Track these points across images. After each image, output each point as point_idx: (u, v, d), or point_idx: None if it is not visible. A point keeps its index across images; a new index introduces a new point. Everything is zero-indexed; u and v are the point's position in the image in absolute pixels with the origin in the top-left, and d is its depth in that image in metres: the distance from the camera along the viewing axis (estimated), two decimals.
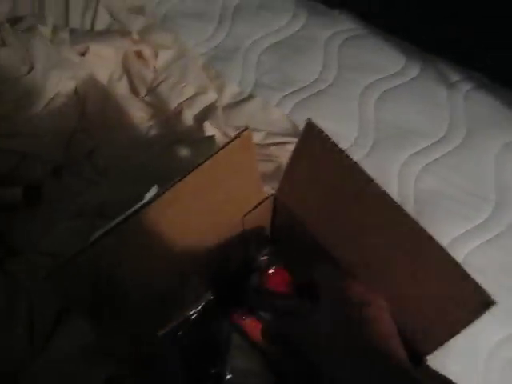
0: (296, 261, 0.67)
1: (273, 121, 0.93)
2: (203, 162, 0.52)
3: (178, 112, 0.94)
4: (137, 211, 0.48)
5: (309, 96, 0.96)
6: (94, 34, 1.07)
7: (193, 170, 0.51)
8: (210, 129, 0.89)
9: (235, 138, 0.52)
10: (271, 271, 0.71)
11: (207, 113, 0.94)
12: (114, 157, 0.92)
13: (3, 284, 0.74)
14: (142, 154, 0.90)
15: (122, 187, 0.88)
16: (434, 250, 0.45)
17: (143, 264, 0.53)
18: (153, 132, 0.94)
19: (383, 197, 0.47)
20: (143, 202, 0.50)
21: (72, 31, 1.07)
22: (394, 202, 0.47)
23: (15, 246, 0.85)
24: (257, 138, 0.90)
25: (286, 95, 0.97)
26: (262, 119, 0.93)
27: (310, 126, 0.53)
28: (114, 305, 0.55)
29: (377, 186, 0.47)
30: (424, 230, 0.45)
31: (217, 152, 0.52)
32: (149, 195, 0.50)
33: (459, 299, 0.44)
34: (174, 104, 0.95)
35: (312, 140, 0.53)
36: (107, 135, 0.94)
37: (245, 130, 0.53)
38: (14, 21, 1.09)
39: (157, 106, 0.96)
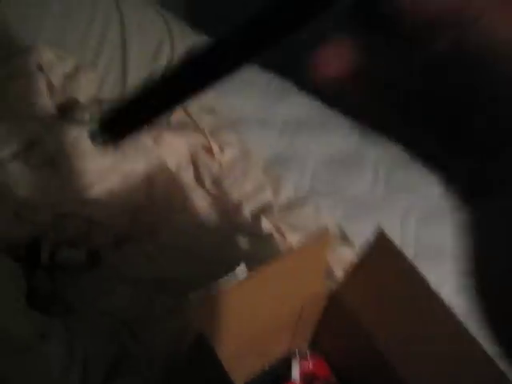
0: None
1: (323, 225, 1.02)
2: (286, 255, 0.60)
3: (238, 205, 1.03)
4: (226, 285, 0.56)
5: (356, 207, 1.06)
6: (169, 125, 1.19)
7: (277, 259, 0.59)
8: (266, 225, 0.98)
9: (316, 237, 0.60)
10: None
11: (264, 210, 1.03)
12: (174, 237, 1.00)
13: (64, 335, 0.81)
14: (201, 238, 0.99)
15: (179, 266, 0.96)
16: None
17: (221, 336, 0.60)
18: (212, 220, 1.03)
19: (445, 310, 0.55)
20: (232, 278, 0.57)
21: None
22: (454, 316, 0.54)
23: (74, 305, 0.91)
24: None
25: (336, 203, 1.06)
26: (313, 223, 1.02)
27: (381, 236, 0.62)
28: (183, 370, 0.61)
29: (442, 302, 0.55)
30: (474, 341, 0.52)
31: (299, 248, 0.60)
32: (238, 272, 0.58)
33: None
34: (234, 197, 1.05)
35: (381, 249, 0.61)
36: (170, 217, 1.03)
37: (325, 231, 0.61)
38: (98, 102, 1.22)
39: (218, 197, 1.06)
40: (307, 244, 0.60)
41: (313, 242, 0.60)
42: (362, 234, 1.03)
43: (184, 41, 1.46)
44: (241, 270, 0.57)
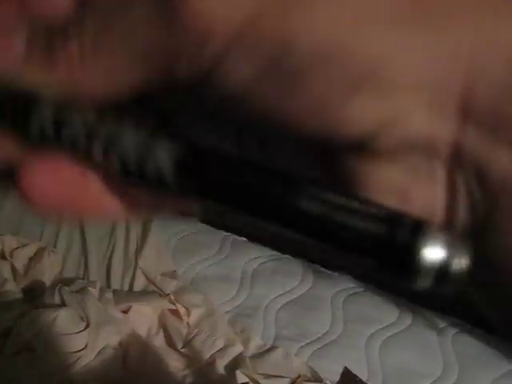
0: None
1: (294, 368, 1.09)
2: None
3: (211, 362, 1.10)
4: None
5: (322, 346, 1.14)
6: (135, 295, 1.27)
7: None
8: (241, 377, 1.05)
9: None
10: None
11: (237, 362, 1.10)
12: None
13: None
14: None
15: None
16: None
17: None
18: (188, 380, 1.08)
19: None
20: None
21: (115, 291, 1.27)
22: None
23: None
24: (283, 383, 1.06)
25: (302, 346, 1.15)
26: (284, 367, 1.09)
27: (347, 373, 0.71)
28: None
29: None
30: None
31: None
32: None
33: None
34: (206, 355, 1.11)
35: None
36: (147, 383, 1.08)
37: None
38: (66, 282, 1.30)
39: (191, 356, 1.12)
40: None
41: None
42: (331, 371, 1.10)
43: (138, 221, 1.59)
44: None
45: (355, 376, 0.68)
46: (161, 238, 1.45)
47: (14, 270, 1.37)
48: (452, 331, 1.21)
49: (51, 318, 1.11)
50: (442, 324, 1.22)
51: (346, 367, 0.70)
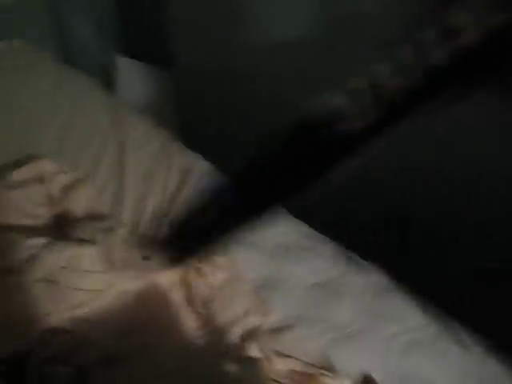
0: None
1: (309, 353, 1.05)
2: None
3: (227, 328, 1.07)
4: None
5: (341, 336, 1.10)
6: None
7: None
8: (254, 349, 1.02)
9: None
10: None
11: (252, 334, 1.07)
12: (163, 359, 1.03)
13: None
14: (188, 361, 1.02)
15: None
16: None
17: None
18: (201, 341, 1.06)
19: None
20: None
21: (143, 236, 1.25)
22: None
23: None
24: (293, 364, 1.02)
25: (322, 331, 1.10)
26: (299, 349, 1.06)
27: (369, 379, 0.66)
28: None
29: None
30: None
31: None
32: None
33: None
34: (223, 320, 1.09)
35: None
36: (159, 337, 1.06)
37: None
38: (97, 218, 1.28)
39: (208, 319, 1.10)
40: None
41: None
42: (346, 364, 1.06)
43: (180, 159, 1.55)
44: None
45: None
46: (197, 190, 1.41)
47: (49, 195, 1.35)
48: (478, 350, 1.14)
49: (77, 253, 1.10)
50: (468, 340, 1.16)
51: (368, 374, 0.65)
